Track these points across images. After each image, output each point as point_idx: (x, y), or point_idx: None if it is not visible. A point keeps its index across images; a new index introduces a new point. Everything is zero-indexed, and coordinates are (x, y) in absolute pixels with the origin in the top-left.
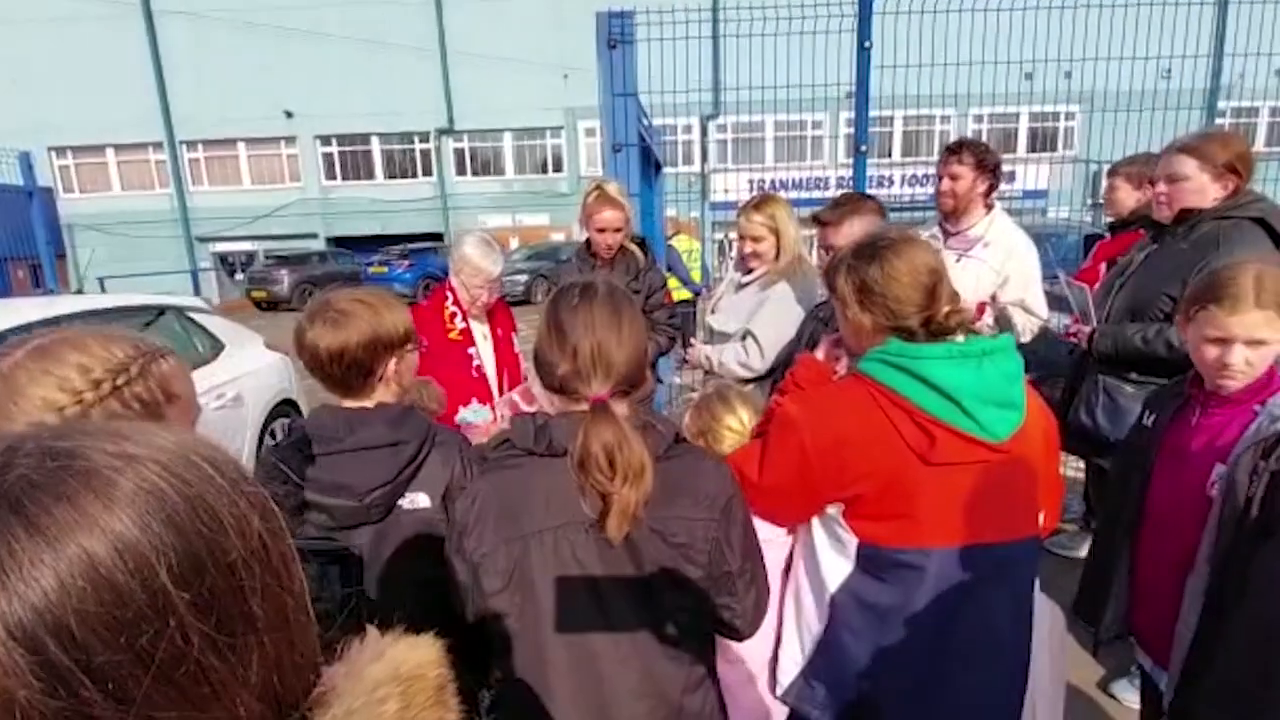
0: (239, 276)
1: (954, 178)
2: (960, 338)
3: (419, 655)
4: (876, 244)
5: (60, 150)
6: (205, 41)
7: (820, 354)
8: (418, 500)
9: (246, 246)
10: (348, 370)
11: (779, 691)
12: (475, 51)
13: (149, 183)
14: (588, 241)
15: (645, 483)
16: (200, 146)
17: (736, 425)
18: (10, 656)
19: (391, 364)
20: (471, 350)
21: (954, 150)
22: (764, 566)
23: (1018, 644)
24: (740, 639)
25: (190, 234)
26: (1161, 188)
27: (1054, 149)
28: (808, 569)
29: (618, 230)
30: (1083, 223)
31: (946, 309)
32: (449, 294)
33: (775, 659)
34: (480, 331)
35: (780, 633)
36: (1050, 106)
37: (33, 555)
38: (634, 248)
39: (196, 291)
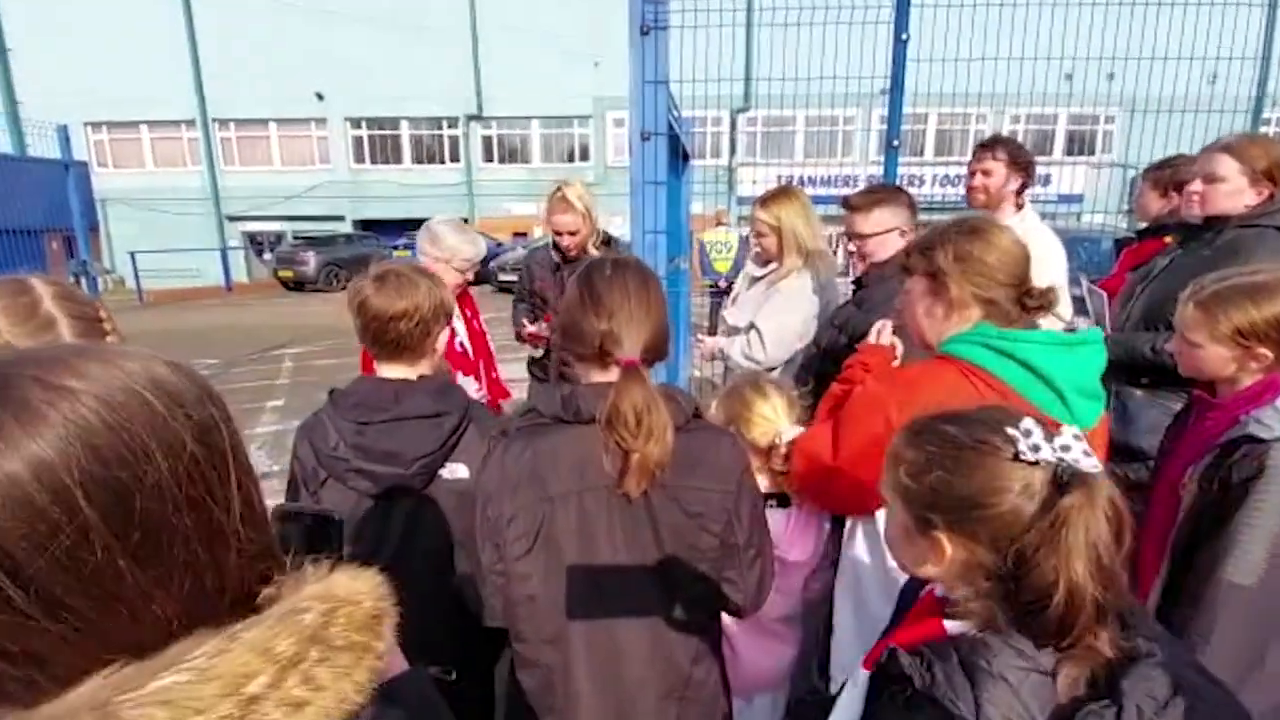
0: (267, 256)
1: (986, 173)
2: (1043, 323)
3: (356, 585)
4: (975, 222)
5: (96, 125)
6: (240, 21)
7: (884, 338)
8: (457, 471)
9: (275, 227)
10: (412, 331)
11: (834, 671)
12: (507, 38)
13: (181, 160)
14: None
15: (666, 443)
16: (232, 126)
17: (769, 413)
18: None
19: (444, 334)
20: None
21: (988, 145)
22: (770, 546)
23: None
24: (740, 616)
25: (220, 212)
26: (1196, 186)
27: (1091, 152)
28: (873, 558)
29: (573, 233)
30: (1117, 228)
31: (1037, 286)
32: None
33: (826, 649)
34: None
35: (832, 622)
36: (1089, 109)
37: None
38: (595, 252)
39: (225, 270)
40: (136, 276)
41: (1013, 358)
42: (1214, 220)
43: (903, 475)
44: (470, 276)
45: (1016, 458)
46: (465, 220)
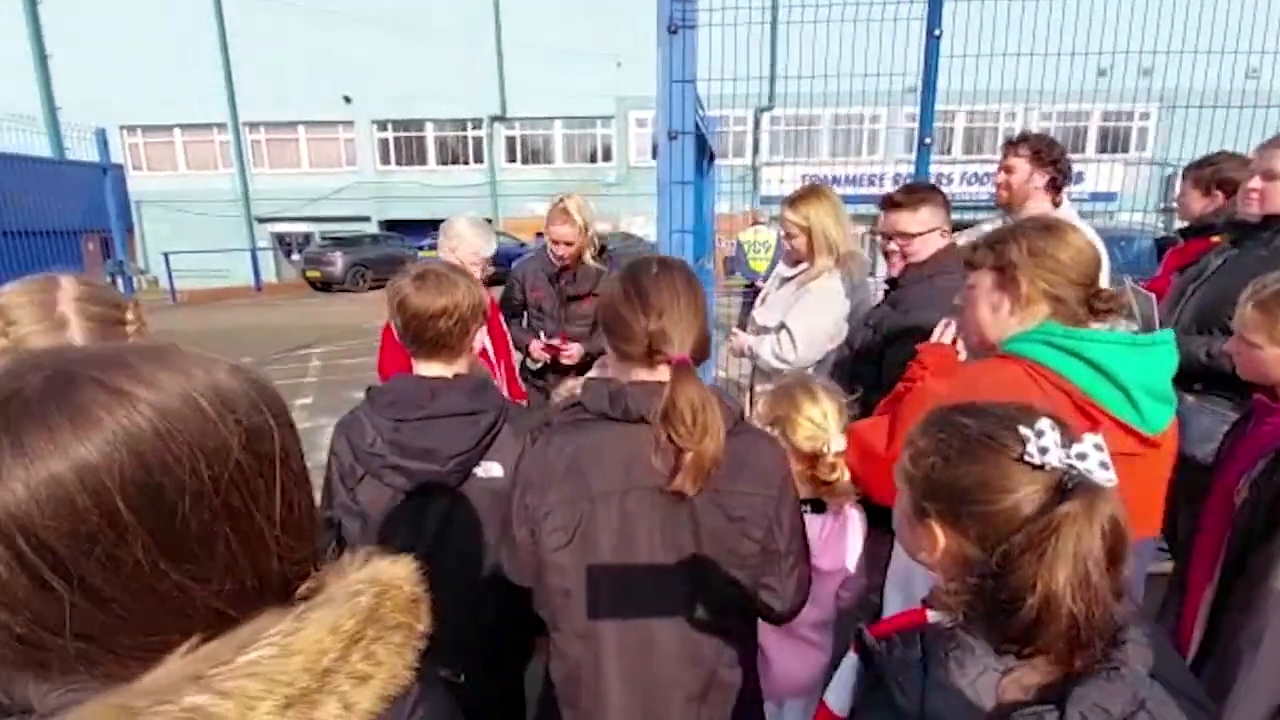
0: (295, 257)
1: (1009, 170)
2: (1116, 325)
3: (396, 570)
4: (1049, 220)
5: (131, 129)
6: (271, 26)
7: (945, 335)
8: (492, 469)
9: (303, 228)
10: (451, 330)
11: None
12: (530, 40)
13: (212, 163)
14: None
15: (720, 441)
16: (262, 129)
17: (818, 417)
18: None
19: (482, 333)
20: None
21: (1013, 143)
22: (808, 551)
23: None
24: (778, 622)
25: (250, 214)
26: (1256, 183)
27: (1126, 150)
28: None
29: (570, 244)
30: (1154, 227)
31: (1107, 289)
32: None
33: None
34: None
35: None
36: (1124, 105)
37: (10, 469)
38: (591, 263)
39: (255, 270)
40: (170, 276)
41: (1080, 357)
42: (1273, 219)
43: (909, 460)
44: (478, 274)
45: (1022, 459)
46: (489, 220)
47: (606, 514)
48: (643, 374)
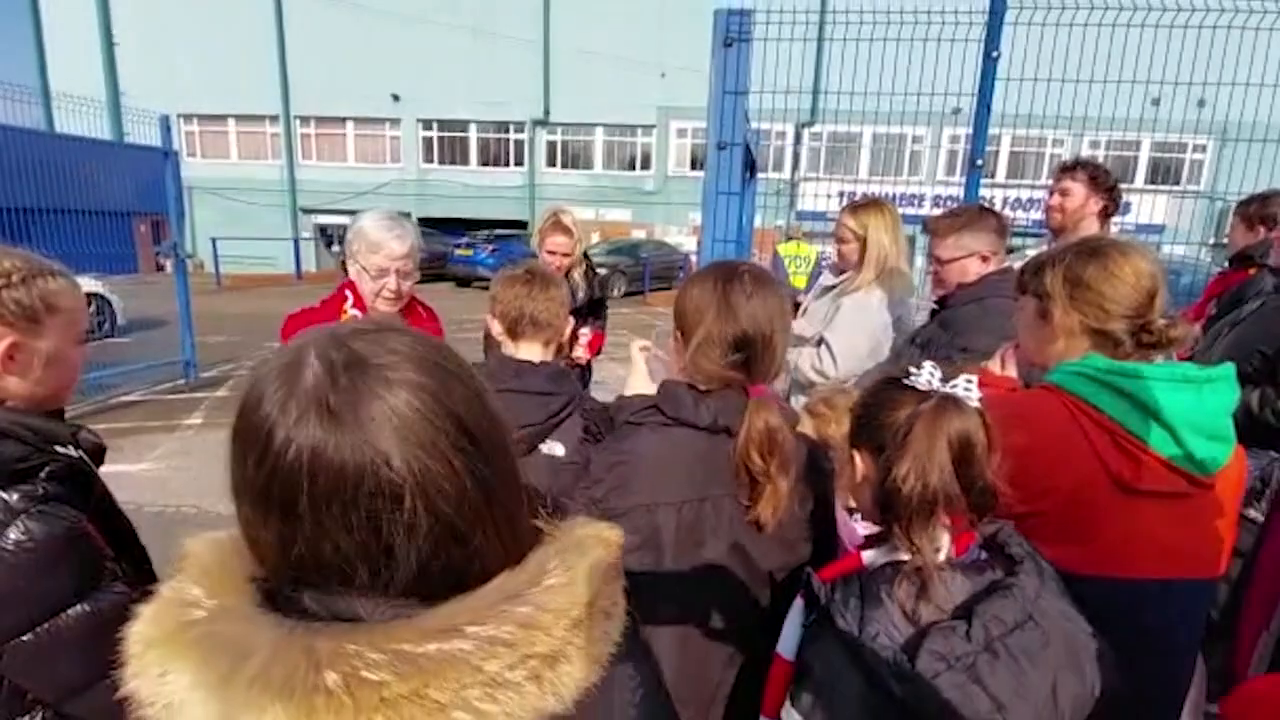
0: (335, 248)
1: (1064, 193)
2: (1159, 358)
3: (610, 532)
4: (1099, 243)
5: (188, 117)
6: (327, 23)
7: (1007, 368)
8: (555, 449)
9: (345, 220)
10: (543, 321)
11: None
12: (577, 46)
13: (263, 153)
14: (540, 258)
15: (795, 471)
16: (312, 122)
17: None
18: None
19: (567, 328)
20: None
21: (1068, 168)
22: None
23: (1176, 695)
24: None
25: (295, 204)
26: None
27: (1177, 182)
28: None
29: (566, 255)
30: (1202, 261)
31: (1163, 320)
32: (348, 294)
33: None
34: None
35: None
36: (1176, 136)
37: (444, 383)
38: (578, 278)
39: (296, 259)
40: (216, 262)
41: (1122, 393)
42: None
43: (853, 417)
44: (396, 284)
45: (908, 386)
46: (524, 225)
47: (677, 521)
48: (715, 385)
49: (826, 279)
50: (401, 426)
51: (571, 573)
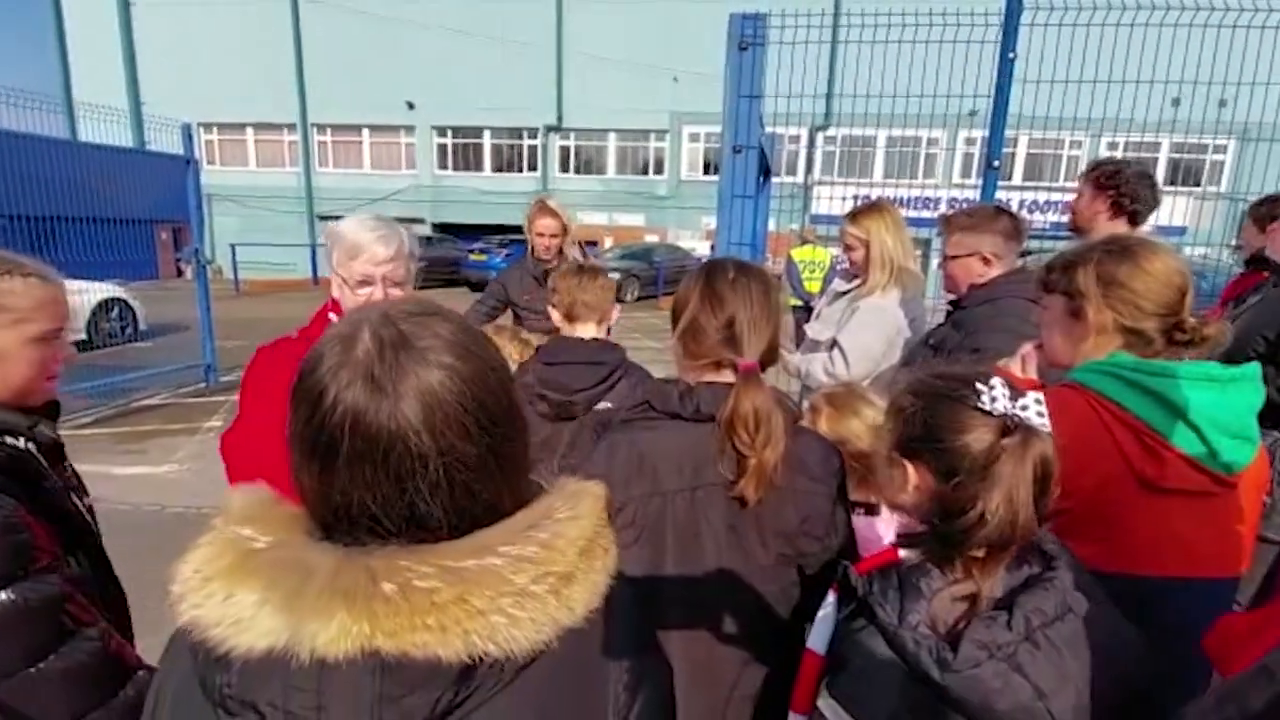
0: None
1: (1078, 194)
2: (1188, 356)
3: (597, 487)
4: (1129, 241)
5: (208, 126)
6: (343, 32)
7: (1028, 369)
8: (606, 404)
9: None
10: (593, 306)
11: None
12: (590, 52)
13: (280, 161)
14: (532, 246)
15: (780, 450)
16: (329, 130)
17: (872, 418)
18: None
19: (615, 313)
20: None
21: (1087, 170)
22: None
23: (1192, 696)
24: None
25: (312, 211)
26: None
27: (1197, 183)
28: None
29: (554, 236)
30: (1223, 263)
31: (1195, 319)
32: (332, 317)
33: None
34: None
35: None
36: (1196, 137)
37: (451, 367)
38: (570, 253)
39: (313, 265)
40: (235, 268)
41: (1148, 391)
42: None
43: (893, 413)
44: (381, 293)
45: (977, 407)
46: None
47: (674, 513)
48: (709, 375)
49: (839, 284)
50: (433, 402)
51: (576, 510)
